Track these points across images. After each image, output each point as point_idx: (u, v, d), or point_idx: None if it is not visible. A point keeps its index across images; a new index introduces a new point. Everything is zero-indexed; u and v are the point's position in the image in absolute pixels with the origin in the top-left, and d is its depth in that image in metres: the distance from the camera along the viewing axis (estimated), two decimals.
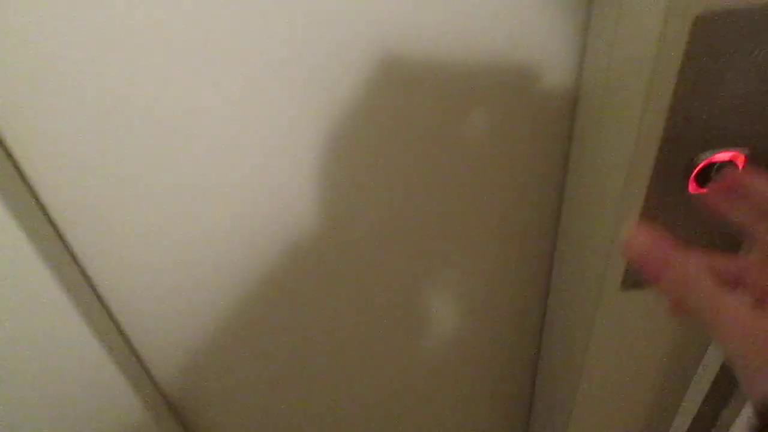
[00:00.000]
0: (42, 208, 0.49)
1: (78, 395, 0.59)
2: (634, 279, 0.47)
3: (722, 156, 0.39)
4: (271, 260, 0.57)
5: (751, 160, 0.39)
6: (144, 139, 0.46)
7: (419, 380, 0.76)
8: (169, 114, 0.45)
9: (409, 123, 0.49)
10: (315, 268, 0.59)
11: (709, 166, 0.40)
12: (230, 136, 0.48)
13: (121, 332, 0.60)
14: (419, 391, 0.78)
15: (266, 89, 0.45)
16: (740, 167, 0.40)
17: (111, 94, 0.43)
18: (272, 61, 0.44)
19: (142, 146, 0.47)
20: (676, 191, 0.41)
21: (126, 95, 0.44)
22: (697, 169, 0.40)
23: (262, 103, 0.46)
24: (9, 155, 0.45)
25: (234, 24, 0.41)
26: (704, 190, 0.41)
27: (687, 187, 0.41)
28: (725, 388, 0.57)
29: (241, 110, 0.46)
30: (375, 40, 0.44)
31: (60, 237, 0.51)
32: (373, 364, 0.72)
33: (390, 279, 0.62)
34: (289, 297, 0.61)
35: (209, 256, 0.56)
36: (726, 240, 0.45)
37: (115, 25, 0.40)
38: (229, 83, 0.44)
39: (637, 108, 0.37)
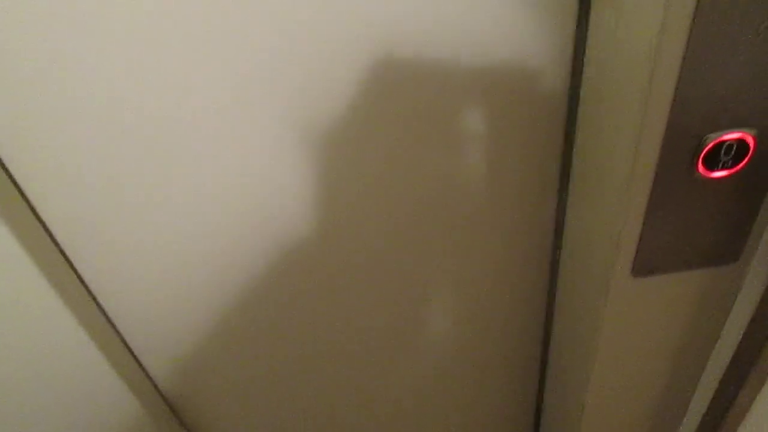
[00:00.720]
0: (33, 209, 0.50)
1: (75, 395, 0.60)
2: (646, 265, 0.48)
3: (731, 136, 0.40)
4: (269, 259, 0.58)
5: (760, 140, 0.40)
6: (139, 140, 0.47)
7: (425, 370, 0.77)
8: (164, 116, 0.46)
9: (410, 123, 0.50)
10: (313, 267, 0.60)
11: (718, 147, 0.40)
12: (229, 135, 0.48)
13: (117, 332, 0.62)
14: (425, 380, 0.79)
15: (263, 92, 0.46)
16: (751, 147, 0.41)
17: (104, 97, 0.44)
18: (269, 63, 0.45)
19: (138, 147, 0.48)
20: (684, 173, 0.42)
21: (118, 95, 0.44)
22: (705, 150, 0.40)
23: (258, 106, 0.47)
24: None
25: (229, 25, 0.42)
26: (713, 172, 0.42)
27: (695, 168, 0.41)
28: (741, 372, 0.58)
29: (239, 113, 0.47)
30: (370, 42, 0.45)
31: (51, 237, 0.52)
32: (374, 361, 0.73)
33: (392, 267, 0.63)
34: (288, 296, 0.63)
35: (206, 256, 0.57)
36: (735, 222, 0.46)
37: (108, 29, 0.41)
38: (227, 86, 0.45)
39: (642, 88, 0.38)
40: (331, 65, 0.45)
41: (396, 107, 0.49)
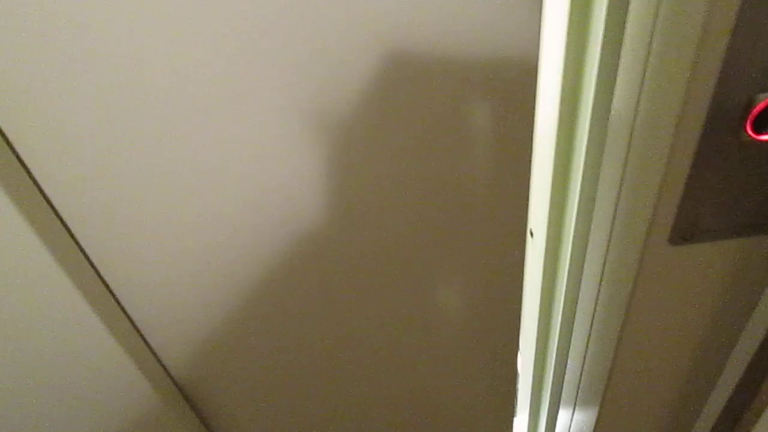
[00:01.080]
0: (49, 203, 0.50)
1: (89, 383, 0.60)
2: (684, 233, 0.48)
3: None
4: (278, 253, 0.59)
5: None
6: (153, 135, 0.47)
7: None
8: (176, 111, 0.46)
9: (411, 121, 0.50)
10: (321, 261, 0.61)
11: None
12: (241, 130, 0.48)
13: (131, 321, 0.62)
14: (428, 379, 0.79)
15: (270, 90, 0.46)
16: None
17: (116, 90, 0.44)
18: (270, 61, 0.44)
19: (153, 141, 0.47)
20: (731, 136, 0.41)
21: (129, 89, 0.44)
22: (754, 111, 0.40)
23: (266, 104, 0.47)
24: (15, 153, 0.46)
25: (237, 19, 0.42)
26: (761, 135, 0.41)
27: (743, 131, 0.41)
28: None
29: (250, 108, 0.47)
30: (370, 39, 0.44)
31: (66, 228, 0.52)
32: (380, 354, 0.73)
33: (397, 263, 0.63)
34: (297, 291, 0.63)
35: (219, 246, 0.57)
36: None
37: (117, 20, 0.41)
38: (239, 79, 0.45)
39: (692, 44, 0.37)
40: (328, 62, 0.45)
41: (396, 104, 0.49)
